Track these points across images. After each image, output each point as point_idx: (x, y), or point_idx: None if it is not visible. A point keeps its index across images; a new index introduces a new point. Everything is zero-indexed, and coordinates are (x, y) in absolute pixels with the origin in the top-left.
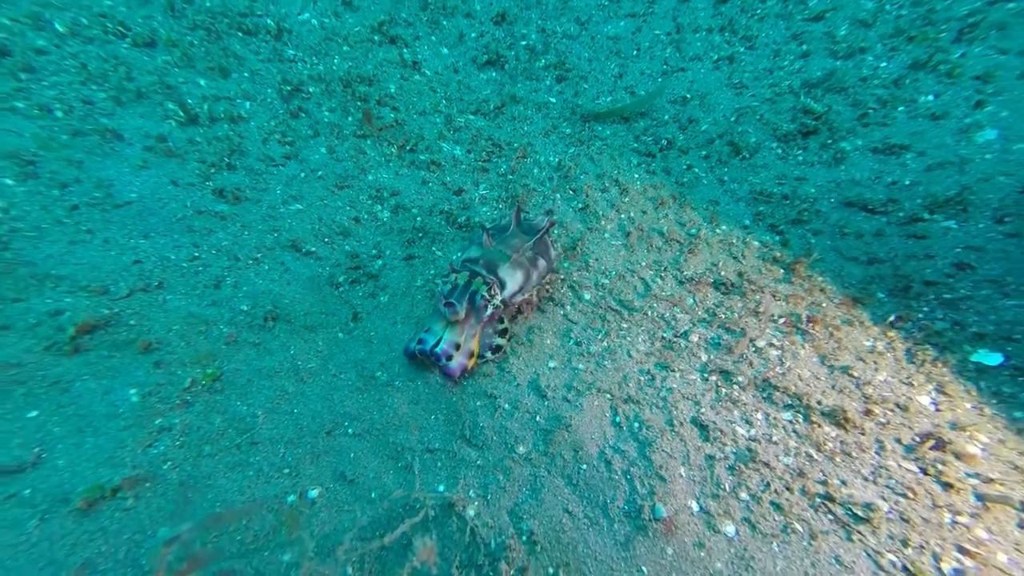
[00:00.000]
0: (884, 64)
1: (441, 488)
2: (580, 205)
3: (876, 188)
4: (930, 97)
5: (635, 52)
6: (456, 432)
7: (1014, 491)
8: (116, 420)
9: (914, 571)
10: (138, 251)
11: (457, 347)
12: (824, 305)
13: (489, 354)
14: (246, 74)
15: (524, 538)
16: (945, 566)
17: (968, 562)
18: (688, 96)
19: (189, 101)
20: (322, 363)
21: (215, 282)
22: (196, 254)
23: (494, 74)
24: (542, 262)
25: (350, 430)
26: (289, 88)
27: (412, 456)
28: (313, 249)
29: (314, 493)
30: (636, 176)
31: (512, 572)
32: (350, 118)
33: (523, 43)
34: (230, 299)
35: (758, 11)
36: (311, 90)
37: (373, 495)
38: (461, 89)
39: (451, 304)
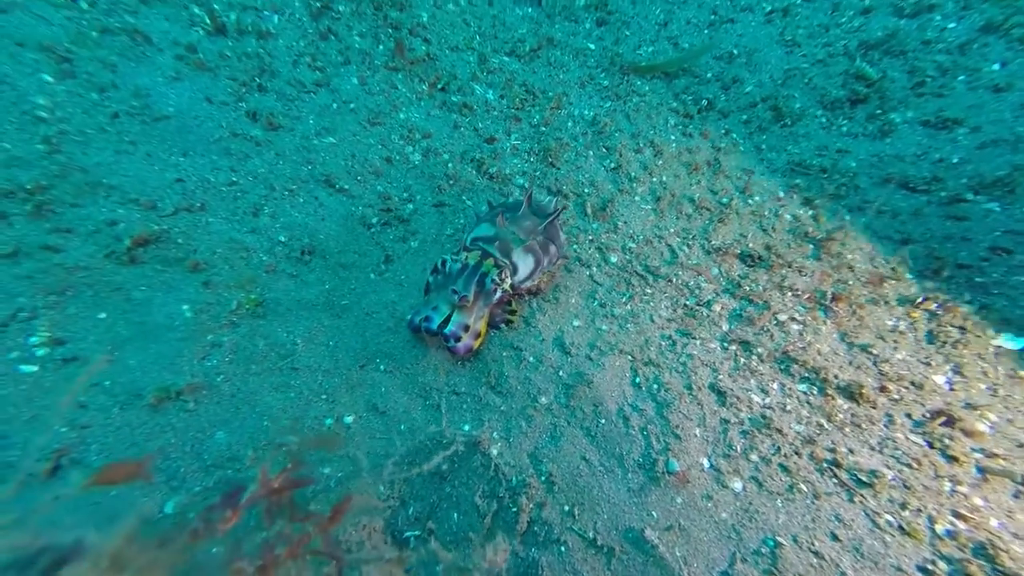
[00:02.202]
0: (952, 25)
1: (467, 428)
2: (613, 165)
3: (921, 165)
4: (996, 66)
5: None
6: (482, 379)
7: (1015, 465)
8: (173, 331)
9: (908, 530)
10: (180, 169)
11: (466, 328)
12: (851, 283)
13: (504, 327)
14: None
15: (543, 478)
16: (939, 528)
17: (961, 525)
18: (735, 52)
19: (215, 7)
20: (355, 300)
21: (253, 210)
22: (234, 179)
23: (530, 10)
24: (552, 247)
25: (382, 367)
26: (318, 4)
27: (439, 396)
28: (346, 186)
29: (349, 419)
30: (672, 138)
31: (531, 506)
32: (381, 47)
33: None
34: (268, 228)
35: None
36: (340, 9)
37: (403, 427)
38: (496, 25)
39: (465, 297)
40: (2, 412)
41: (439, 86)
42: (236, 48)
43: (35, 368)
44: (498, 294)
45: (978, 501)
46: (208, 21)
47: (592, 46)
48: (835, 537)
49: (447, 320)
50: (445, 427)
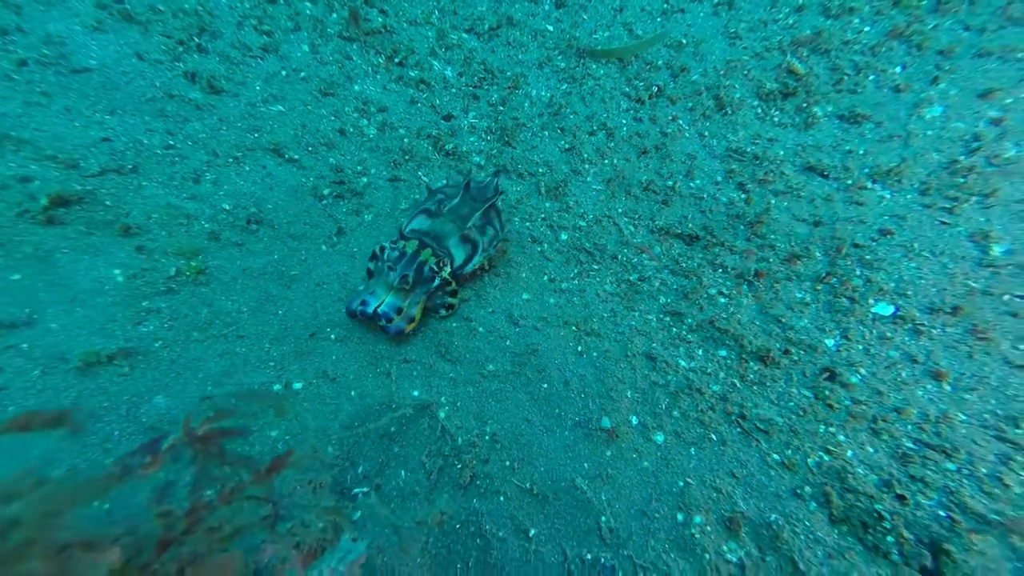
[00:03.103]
0: (868, 28)
1: (416, 393)
2: (567, 146)
3: (834, 155)
4: (898, 68)
5: None
6: (432, 348)
7: (871, 408)
8: (103, 296)
9: (788, 464)
10: (105, 127)
11: (399, 311)
12: (771, 261)
13: (443, 311)
14: None
15: (487, 438)
16: (810, 460)
17: (827, 457)
18: (684, 42)
19: None
20: (306, 271)
21: (194, 176)
22: (171, 142)
23: None
24: (491, 231)
25: (332, 335)
26: None
27: (390, 364)
28: (296, 157)
29: (299, 385)
30: (624, 122)
31: (475, 462)
32: (334, 15)
33: None
34: (211, 195)
35: None
36: None
37: (353, 393)
38: (455, 0)
39: (404, 276)
40: None
41: (396, 60)
42: (171, 3)
43: None
44: (436, 282)
45: (841, 438)
46: None
47: (550, 28)
48: (732, 475)
49: (382, 303)
50: (395, 392)
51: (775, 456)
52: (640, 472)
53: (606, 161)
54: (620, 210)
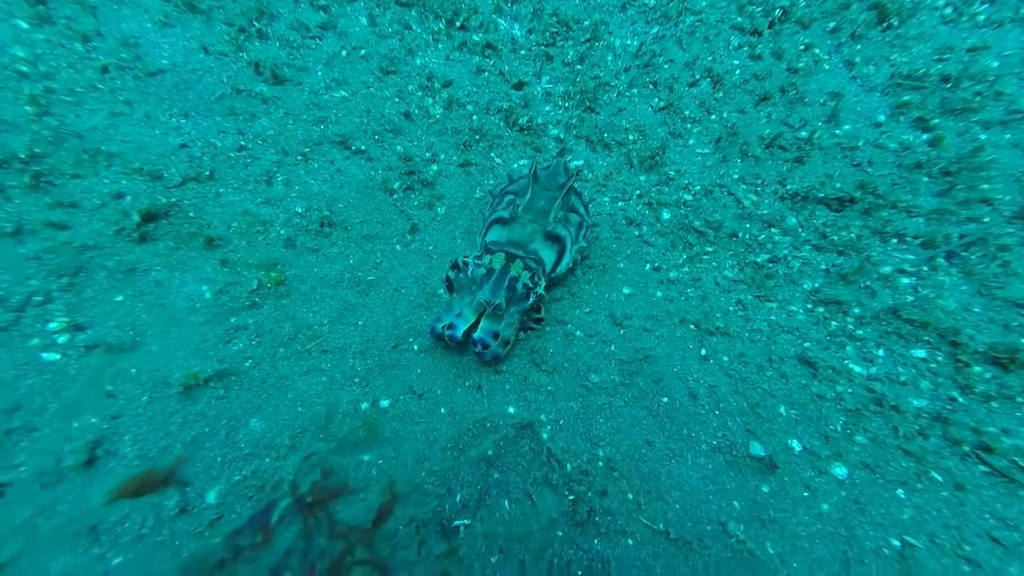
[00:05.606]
0: None
1: (511, 409)
2: (661, 104)
3: None
4: None
5: None
6: (524, 356)
7: None
8: (195, 315)
9: None
10: (182, 132)
11: (495, 336)
12: (987, 220)
13: (521, 334)
14: None
15: (601, 464)
16: None
17: None
18: None
19: None
20: (382, 275)
21: (266, 177)
22: (242, 143)
23: None
24: (577, 219)
25: (415, 346)
26: None
27: (480, 376)
28: (363, 148)
29: (386, 403)
30: (736, 63)
31: (590, 494)
32: None
33: None
34: (283, 198)
35: None
36: None
37: (443, 411)
38: None
39: (498, 306)
40: (30, 403)
41: (458, 23)
42: None
43: (58, 356)
44: (531, 299)
45: None
46: None
47: None
48: (991, 539)
49: (473, 326)
50: (488, 409)
51: None
52: (819, 518)
53: (713, 117)
54: (736, 176)
